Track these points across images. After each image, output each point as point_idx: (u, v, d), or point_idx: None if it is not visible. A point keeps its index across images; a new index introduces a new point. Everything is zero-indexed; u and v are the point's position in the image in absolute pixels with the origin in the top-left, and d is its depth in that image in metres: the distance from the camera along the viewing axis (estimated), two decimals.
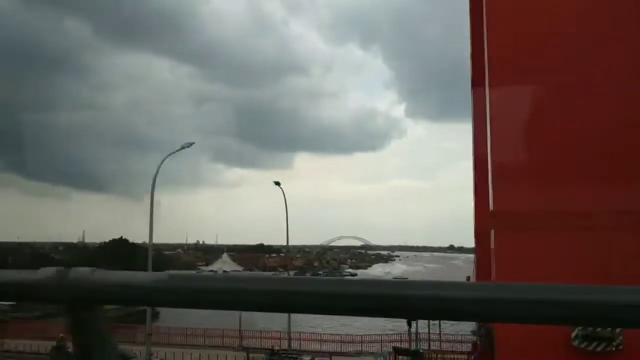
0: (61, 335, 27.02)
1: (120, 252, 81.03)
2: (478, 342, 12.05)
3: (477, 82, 18.37)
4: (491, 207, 8.06)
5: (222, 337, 31.06)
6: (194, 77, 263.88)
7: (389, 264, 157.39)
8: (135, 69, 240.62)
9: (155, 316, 49.77)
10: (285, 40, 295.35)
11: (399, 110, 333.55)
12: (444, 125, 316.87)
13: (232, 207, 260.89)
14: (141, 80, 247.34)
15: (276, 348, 27.31)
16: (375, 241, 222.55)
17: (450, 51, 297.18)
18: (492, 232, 8.25)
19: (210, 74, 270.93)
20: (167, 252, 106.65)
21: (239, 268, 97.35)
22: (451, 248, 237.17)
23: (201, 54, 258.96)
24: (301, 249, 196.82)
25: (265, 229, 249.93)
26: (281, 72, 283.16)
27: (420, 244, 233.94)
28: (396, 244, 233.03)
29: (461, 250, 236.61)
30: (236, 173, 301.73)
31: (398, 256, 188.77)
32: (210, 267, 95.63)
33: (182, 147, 27.68)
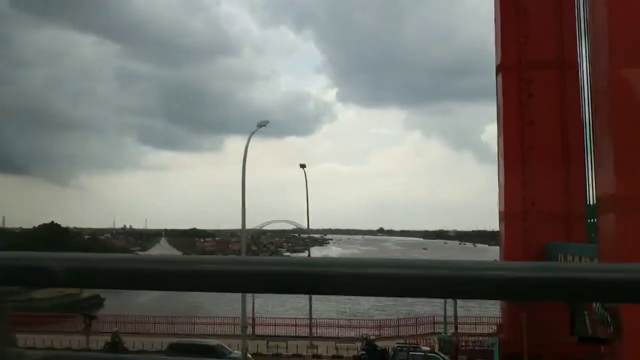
0: (115, 330, 24.87)
1: (50, 237, 76.66)
2: (598, 324, 12.17)
3: (507, 66, 18.77)
4: (611, 191, 8.28)
5: (233, 325, 29.25)
6: (121, 55, 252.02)
7: (324, 247, 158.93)
8: (56, 45, 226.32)
9: (99, 304, 47.42)
10: (217, 20, 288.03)
11: (331, 94, 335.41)
12: (374, 111, 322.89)
13: (161, 190, 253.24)
14: (63, 57, 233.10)
15: (371, 337, 25.57)
16: (307, 224, 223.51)
17: (381, 38, 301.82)
18: (611, 215, 8.43)
19: (138, 52, 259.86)
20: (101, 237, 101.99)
21: (179, 253, 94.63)
22: (381, 231, 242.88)
23: (128, 31, 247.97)
24: (234, 233, 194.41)
25: (195, 213, 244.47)
26: (212, 53, 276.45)
27: (351, 227, 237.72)
28: (327, 227, 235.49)
29: (391, 233, 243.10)
30: (164, 156, 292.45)
31: (332, 239, 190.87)
32: (148, 253, 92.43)
33: (260, 126, 24.95)
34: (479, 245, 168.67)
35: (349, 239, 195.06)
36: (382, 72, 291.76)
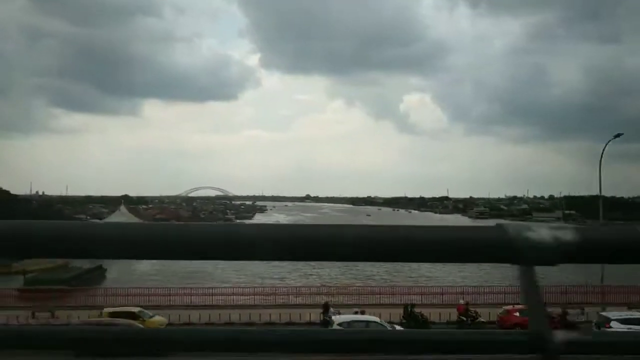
0: (325, 301, 23.49)
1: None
2: None
3: None
4: None
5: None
6: (28, 10, 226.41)
7: (265, 214, 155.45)
8: None
9: (101, 275, 42.36)
10: None
11: (254, 60, 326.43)
12: (297, 78, 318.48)
13: (77, 155, 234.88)
14: None
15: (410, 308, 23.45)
16: (233, 191, 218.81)
17: (307, 4, 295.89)
18: None
19: (48, 8, 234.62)
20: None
21: (139, 222, 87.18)
22: (308, 197, 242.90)
23: None
24: (162, 200, 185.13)
25: (119, 178, 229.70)
26: (130, 12, 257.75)
27: (276, 194, 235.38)
28: (252, 194, 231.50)
29: (317, 199, 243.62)
30: (78, 119, 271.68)
31: (266, 206, 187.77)
32: (107, 220, 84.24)
33: None
34: (413, 212, 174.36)
35: (286, 205, 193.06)
36: (307, 40, 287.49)
